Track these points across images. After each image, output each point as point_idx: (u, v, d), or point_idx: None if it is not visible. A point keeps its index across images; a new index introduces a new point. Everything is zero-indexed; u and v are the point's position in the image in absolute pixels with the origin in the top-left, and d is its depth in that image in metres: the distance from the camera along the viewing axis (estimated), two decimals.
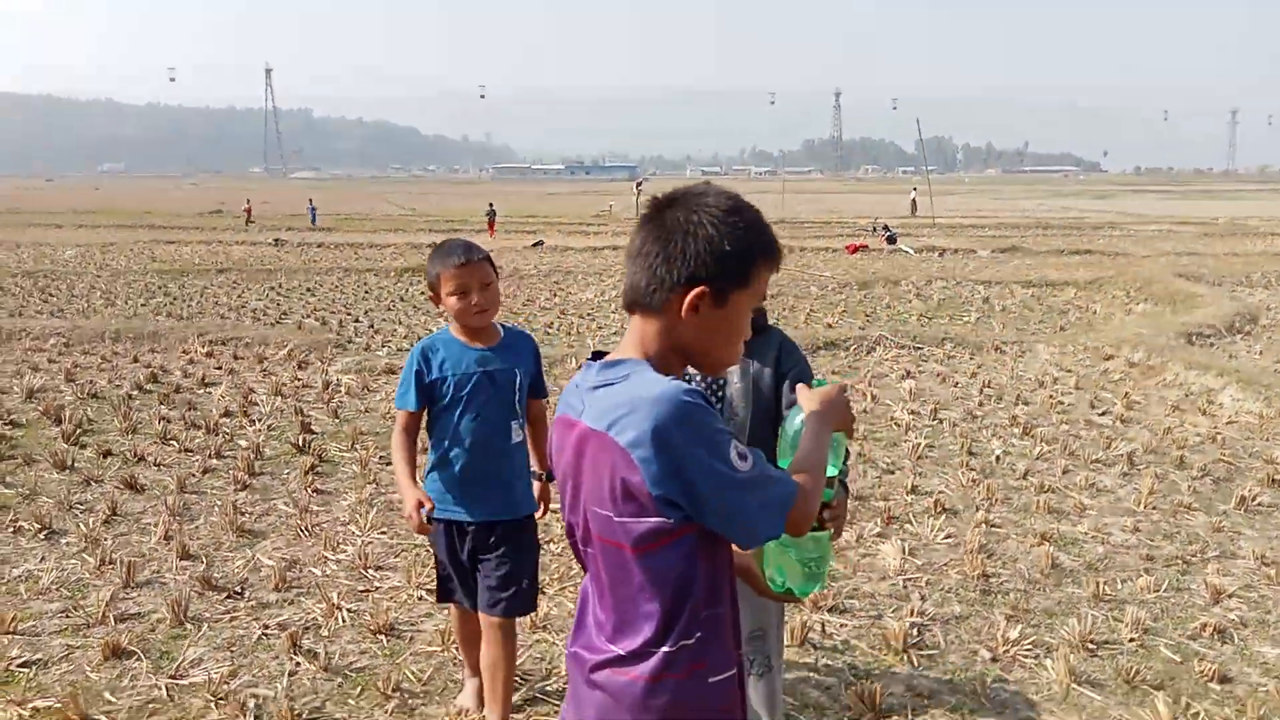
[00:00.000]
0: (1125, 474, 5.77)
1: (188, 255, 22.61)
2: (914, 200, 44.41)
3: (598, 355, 1.52)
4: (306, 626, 3.77)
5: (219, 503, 5.14)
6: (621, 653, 1.47)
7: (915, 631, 3.72)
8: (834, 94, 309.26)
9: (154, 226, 34.86)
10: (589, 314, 12.90)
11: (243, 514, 4.97)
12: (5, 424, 6.68)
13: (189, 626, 3.76)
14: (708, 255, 1.42)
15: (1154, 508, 5.15)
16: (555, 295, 15.01)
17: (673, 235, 1.44)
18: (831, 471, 1.70)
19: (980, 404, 7.54)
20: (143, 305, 13.28)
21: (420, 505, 2.74)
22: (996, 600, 4.04)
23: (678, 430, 1.34)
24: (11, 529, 4.76)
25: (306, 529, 4.77)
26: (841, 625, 3.79)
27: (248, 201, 39.95)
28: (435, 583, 3.20)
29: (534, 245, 25.82)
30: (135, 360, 9.01)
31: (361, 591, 4.11)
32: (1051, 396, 7.73)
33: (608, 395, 1.42)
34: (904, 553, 4.47)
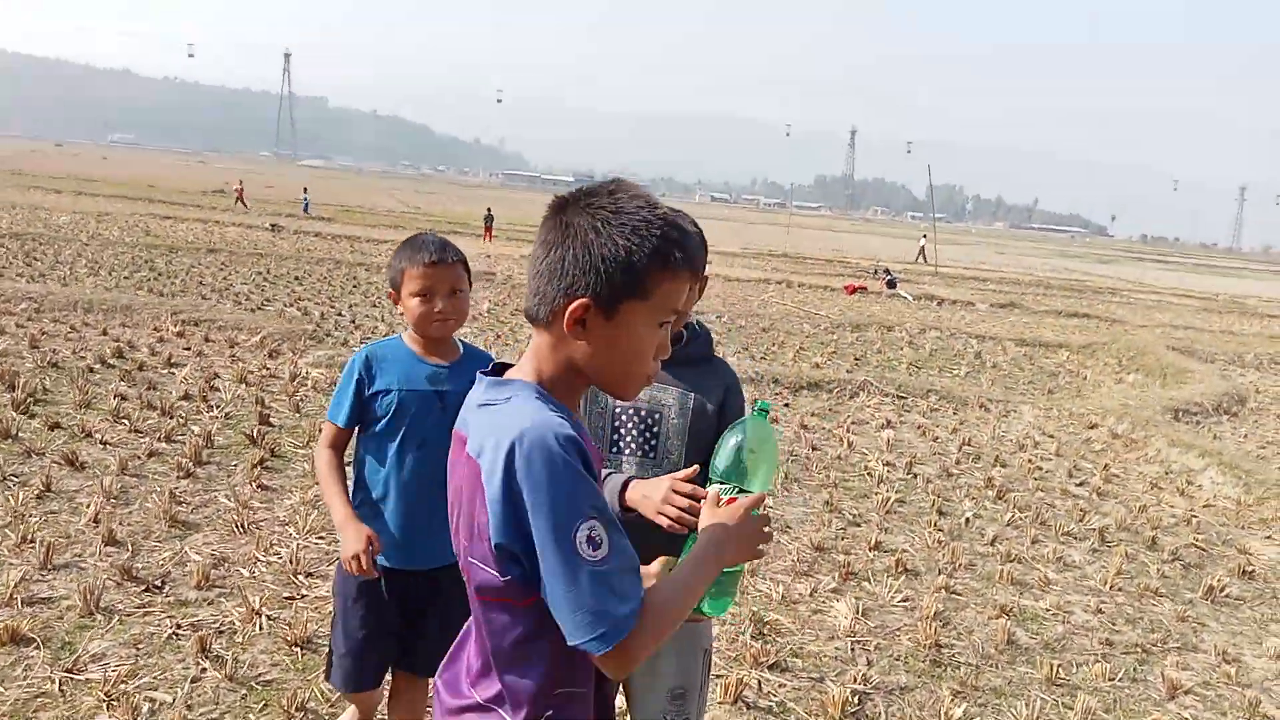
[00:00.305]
0: (1095, 550, 5.61)
1: (182, 232, 22.42)
2: (923, 248, 44.47)
3: (499, 368, 1.37)
4: (221, 630, 3.58)
5: (158, 489, 4.95)
6: (480, 700, 1.32)
7: (856, 700, 3.54)
8: (850, 131, 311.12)
9: (154, 200, 34.69)
10: None
11: (180, 503, 4.78)
12: None
13: (99, 617, 3.57)
14: (588, 263, 1.25)
15: (1120, 589, 5.00)
16: None
17: (558, 241, 1.28)
18: (763, 488, 1.57)
19: (957, 462, 7.39)
20: (125, 278, 13.08)
21: (370, 543, 2.30)
22: (946, 674, 3.87)
23: (528, 476, 1.16)
24: None
25: (242, 526, 4.58)
26: (780, 685, 3.62)
27: (239, 182, 39.63)
28: (326, 668, 2.69)
29: None
30: (104, 333, 8.80)
31: (286, 598, 3.93)
32: (1030, 461, 7.58)
33: (486, 417, 1.27)
34: (857, 612, 4.30)
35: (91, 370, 7.38)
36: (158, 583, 3.91)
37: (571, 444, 1.19)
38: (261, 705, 3.14)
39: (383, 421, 2.43)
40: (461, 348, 2.58)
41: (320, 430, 2.52)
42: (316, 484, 5.24)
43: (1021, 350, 14.97)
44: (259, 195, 45.05)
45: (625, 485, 1.98)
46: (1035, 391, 11.26)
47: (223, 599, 3.85)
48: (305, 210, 35.55)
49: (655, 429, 2.16)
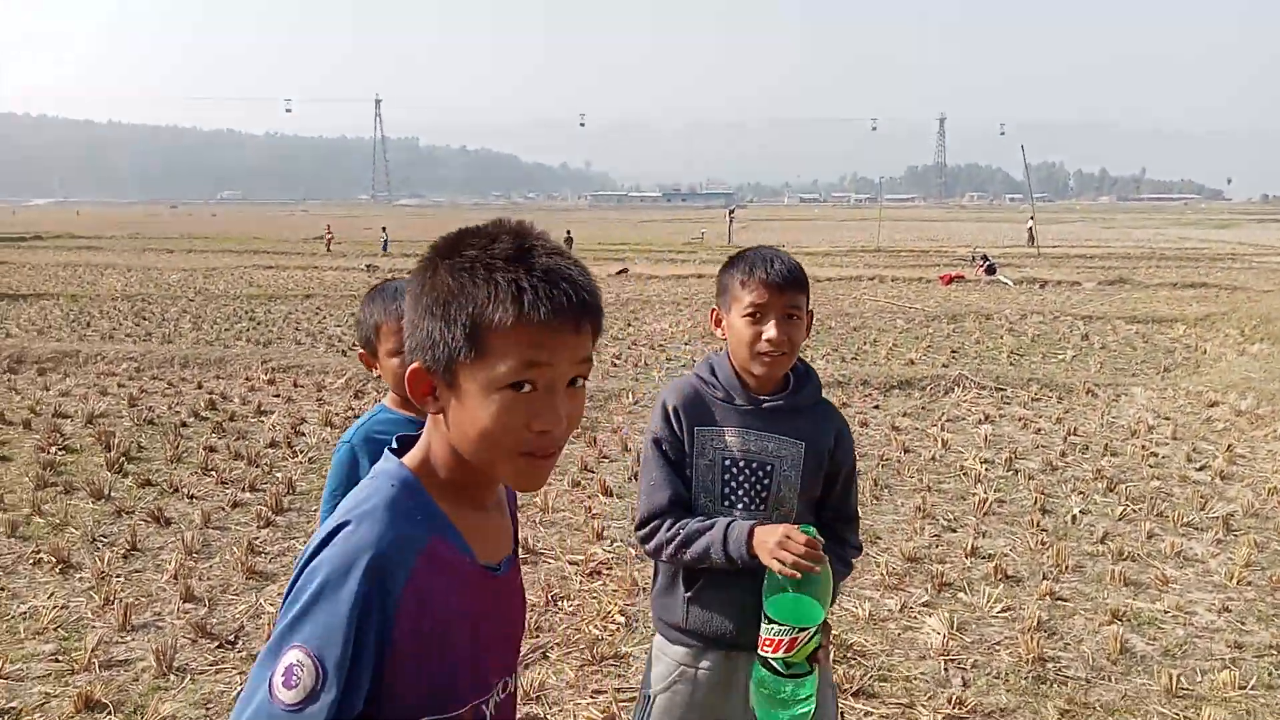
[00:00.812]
0: (1219, 541, 5.15)
1: (282, 280, 23.28)
2: (1031, 230, 42.89)
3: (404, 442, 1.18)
4: None
5: (238, 540, 5.02)
6: None
7: None
8: (938, 119, 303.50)
9: (258, 251, 36.22)
10: (660, 345, 12.61)
11: (258, 554, 4.83)
12: (59, 449, 6.77)
13: (172, 678, 3.59)
14: (410, 323, 1.08)
15: (1248, 583, 4.55)
16: (629, 325, 14.78)
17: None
18: (819, 617, 1.73)
19: (1063, 454, 6.94)
20: (225, 330, 13.59)
21: None
22: (1052, 691, 3.56)
23: (306, 570, 1.02)
24: (32, 561, 4.72)
25: None
26: (867, 714, 3.38)
27: (327, 228, 40.96)
28: None
29: (618, 273, 25.75)
30: (199, 386, 9.11)
31: None
32: (1144, 447, 7.07)
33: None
34: (951, 627, 4.01)
35: (184, 424, 7.61)
36: (231, 638, 3.93)
37: (377, 573, 0.99)
38: None
39: None
40: None
41: None
42: None
43: (1133, 328, 14.13)
44: (357, 237, 46.58)
45: (751, 531, 1.89)
46: (1149, 371, 10.57)
47: None
48: (384, 249, 36.50)
49: (767, 481, 2.02)
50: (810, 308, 2.08)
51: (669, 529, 1.98)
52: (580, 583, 4.56)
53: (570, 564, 4.79)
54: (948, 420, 8.01)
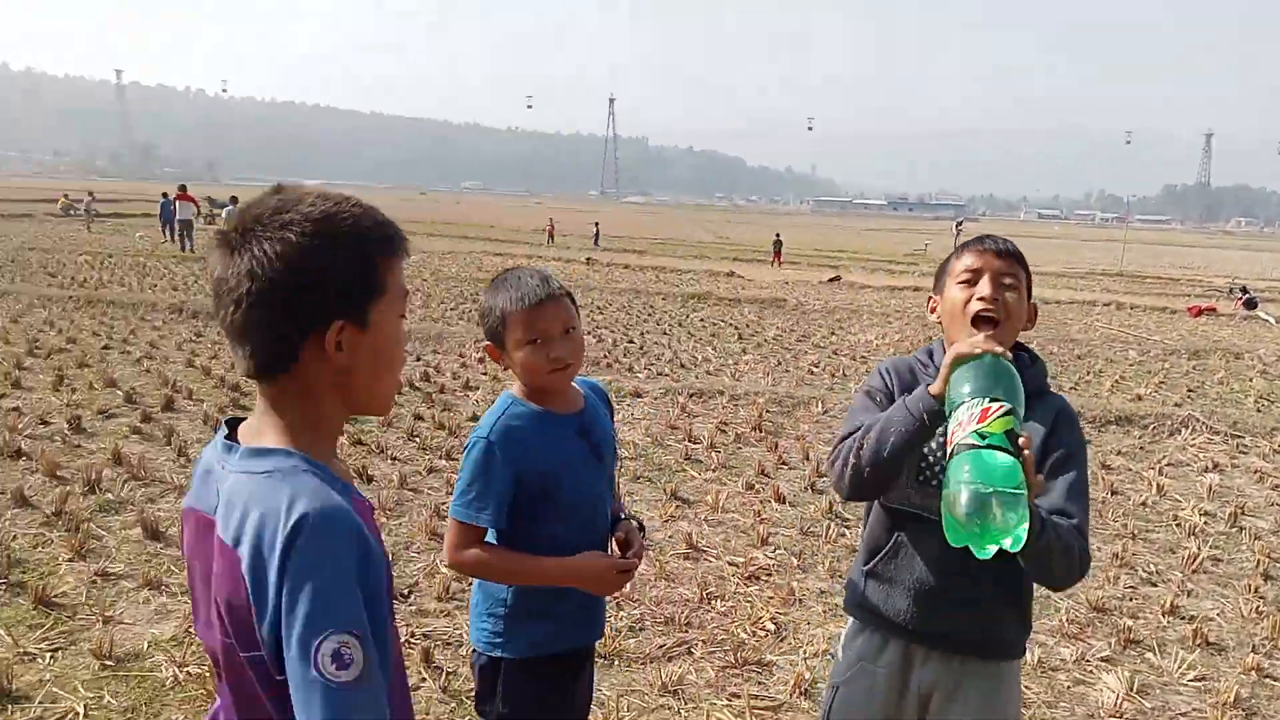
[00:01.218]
0: None
1: (509, 266, 24.57)
2: None
3: (233, 424, 1.23)
4: (449, 642, 3.78)
5: (428, 503, 5.38)
6: None
7: None
8: (1204, 134, 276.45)
9: (491, 239, 38.40)
10: (862, 357, 12.29)
11: (443, 517, 5.15)
12: None
13: None
14: (311, 282, 1.13)
15: None
16: (833, 334, 14.50)
17: (251, 281, 1.11)
18: (1013, 394, 1.64)
19: None
20: (450, 309, 14.53)
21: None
22: None
23: (295, 571, 1.05)
24: None
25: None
26: None
27: (550, 221, 42.76)
28: None
29: (830, 280, 25.29)
30: (418, 359, 9.82)
31: None
32: None
33: (243, 495, 1.12)
34: (1131, 688, 3.68)
35: (400, 393, 8.23)
36: (405, 592, 4.23)
37: (354, 538, 1.07)
38: (466, 719, 3.26)
39: (553, 505, 2.04)
40: (582, 387, 2.21)
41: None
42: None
43: None
44: (582, 231, 48.45)
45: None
46: None
47: (459, 611, 4.08)
48: (596, 243, 37.64)
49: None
50: (1033, 300, 2.00)
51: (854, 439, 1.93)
52: (736, 585, 4.55)
53: (730, 564, 4.79)
54: (1168, 465, 7.32)
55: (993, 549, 1.56)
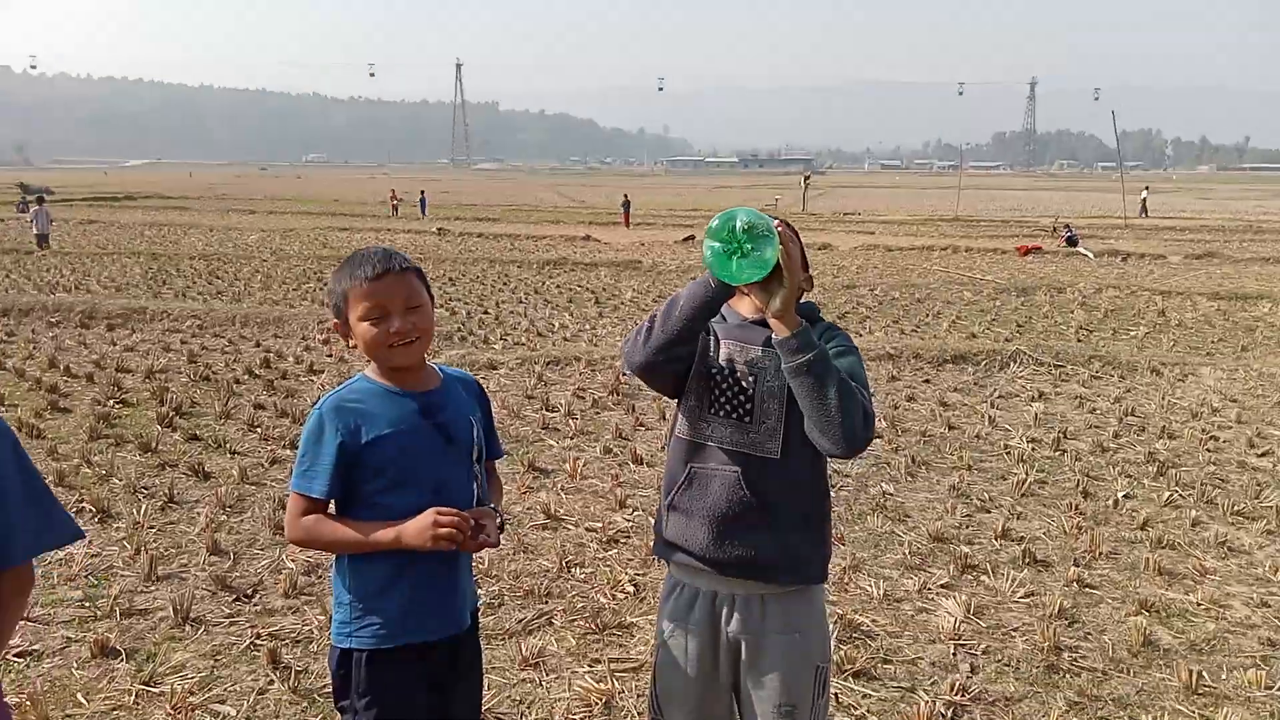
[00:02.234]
0: (1270, 531, 4.90)
1: (355, 242, 23.73)
2: (1144, 201, 41.36)
3: None
4: (297, 640, 3.63)
5: (272, 496, 5.14)
6: None
7: (951, 713, 3.19)
8: (1028, 83, 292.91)
9: (336, 214, 37.02)
10: None
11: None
12: (117, 403, 7.03)
13: (188, 628, 3.71)
14: None
15: None
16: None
17: None
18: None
19: (1116, 435, 6.68)
20: (293, 290, 13.92)
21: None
22: (1063, 681, 3.43)
23: None
24: (75, 510, 4.91)
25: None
26: (864, 696, 3.31)
27: (392, 193, 41.43)
28: None
29: (684, 240, 25.59)
30: (257, 344, 9.36)
31: None
32: (1204, 430, 6.76)
33: None
34: (969, 611, 3.89)
35: (238, 381, 7.83)
36: (249, 592, 4.03)
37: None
38: (320, 717, 3.15)
39: (382, 476, 1.99)
40: (440, 371, 2.16)
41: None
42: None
43: (1214, 305, 13.50)
44: (433, 202, 47.25)
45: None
46: (1224, 351, 10.09)
47: (307, 607, 3.92)
48: (423, 212, 36.87)
49: (750, 391, 2.06)
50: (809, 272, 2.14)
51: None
52: (596, 550, 4.56)
53: (588, 530, 4.80)
54: (999, 397, 7.77)
55: (746, 274, 1.87)
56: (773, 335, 1.96)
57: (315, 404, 2.00)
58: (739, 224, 1.87)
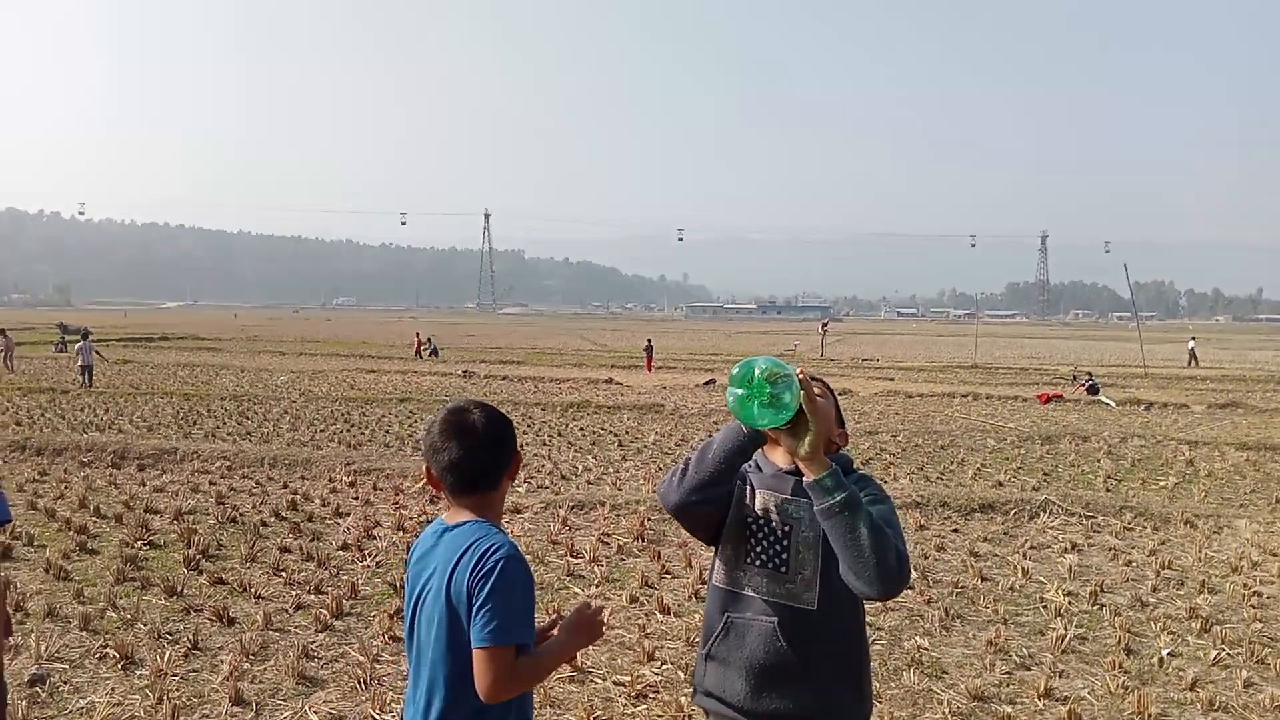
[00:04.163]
0: None
1: (381, 384, 24.07)
2: (1192, 350, 41.61)
3: None
4: None
5: (295, 644, 5.08)
6: None
7: None
8: (1039, 236, 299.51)
9: (364, 356, 37.69)
10: None
11: (312, 659, 4.87)
12: (145, 545, 7.04)
13: None
14: None
15: None
16: (711, 436, 14.67)
17: None
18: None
19: (1154, 589, 6.52)
20: (320, 431, 14.05)
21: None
22: None
23: None
24: (98, 656, 4.87)
25: (365, 681, 4.59)
26: None
27: (416, 335, 42.29)
28: None
29: (705, 384, 25.79)
30: (285, 486, 9.41)
31: None
32: (1246, 585, 6.59)
33: None
34: None
35: (264, 524, 7.84)
36: None
37: None
38: None
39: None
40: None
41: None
42: None
43: (1243, 455, 13.34)
44: (459, 345, 48.14)
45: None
46: (1258, 503, 9.92)
47: None
48: (434, 354, 37.53)
49: (786, 541, 2.11)
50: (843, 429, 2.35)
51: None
52: (624, 705, 4.44)
53: (616, 684, 4.68)
54: (1031, 548, 7.64)
55: (768, 418, 1.97)
56: (804, 479, 1.99)
57: (501, 550, 1.94)
58: (758, 371, 2.00)
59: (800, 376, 2.02)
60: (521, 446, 12.91)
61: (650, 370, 31.83)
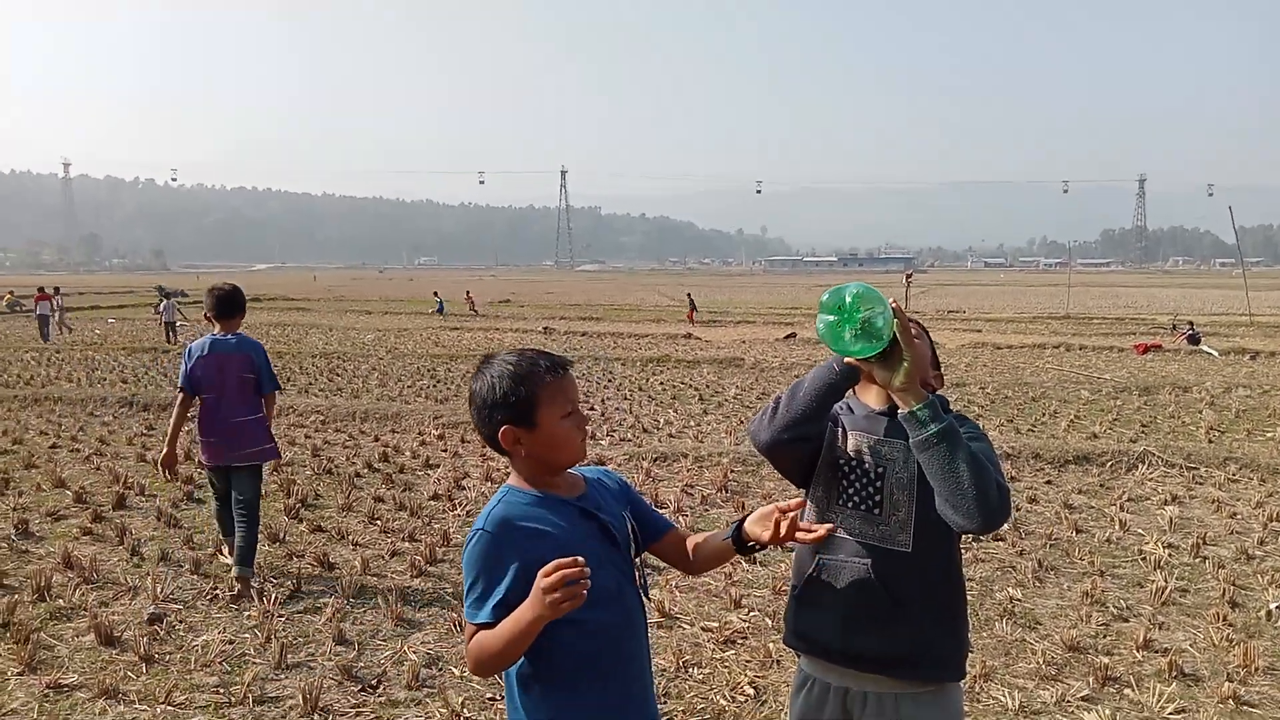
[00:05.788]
0: None
1: (465, 341, 24.50)
2: None
3: None
4: None
5: (393, 587, 5.25)
6: None
7: None
8: (1138, 180, 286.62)
9: (449, 314, 38.36)
10: None
11: (408, 602, 5.04)
12: None
13: (316, 717, 3.78)
14: None
15: None
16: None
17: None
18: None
19: (1261, 542, 6.27)
20: (408, 387, 14.40)
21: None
22: None
23: None
24: (210, 597, 5.12)
25: (460, 624, 4.73)
26: None
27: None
28: None
29: (786, 337, 25.56)
30: (376, 439, 9.69)
31: (488, 699, 3.97)
32: None
33: None
34: None
35: (359, 475, 8.10)
36: (374, 682, 4.10)
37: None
38: None
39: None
40: (579, 472, 2.04)
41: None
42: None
43: None
44: (539, 302, 48.62)
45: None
46: None
47: (429, 699, 3.96)
48: (440, 311, 37.77)
49: (879, 483, 2.08)
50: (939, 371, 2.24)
51: None
52: (713, 650, 4.49)
53: (704, 630, 4.73)
54: (1129, 500, 7.41)
55: (860, 345, 1.89)
56: (899, 411, 1.94)
57: (475, 523, 1.87)
58: (849, 296, 1.90)
59: (893, 305, 1.92)
60: (604, 401, 13.08)
61: (691, 321, 32.34)
